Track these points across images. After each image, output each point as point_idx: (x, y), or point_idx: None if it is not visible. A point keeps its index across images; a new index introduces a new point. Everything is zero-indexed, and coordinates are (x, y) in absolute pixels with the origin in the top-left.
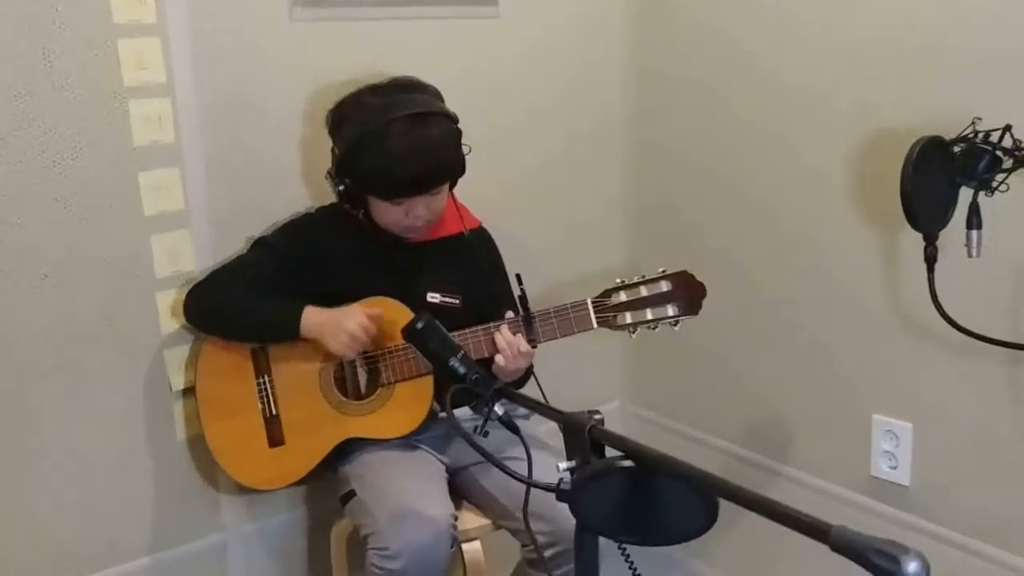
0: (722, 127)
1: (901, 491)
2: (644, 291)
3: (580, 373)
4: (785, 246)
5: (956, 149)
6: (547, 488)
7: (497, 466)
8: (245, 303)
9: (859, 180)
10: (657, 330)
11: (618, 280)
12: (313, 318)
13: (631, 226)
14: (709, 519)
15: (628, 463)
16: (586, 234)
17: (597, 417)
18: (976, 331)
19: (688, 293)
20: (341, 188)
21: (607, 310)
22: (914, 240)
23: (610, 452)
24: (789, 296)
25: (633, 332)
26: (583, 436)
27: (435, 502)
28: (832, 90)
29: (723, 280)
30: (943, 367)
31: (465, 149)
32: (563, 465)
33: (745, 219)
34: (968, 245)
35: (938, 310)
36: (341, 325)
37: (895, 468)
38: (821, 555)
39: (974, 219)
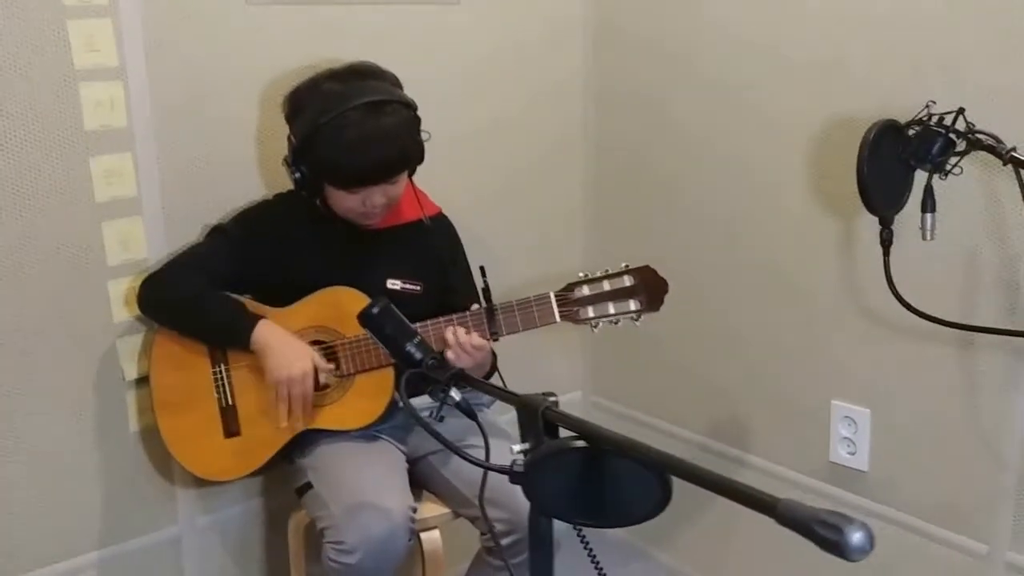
0: (675, 131)
1: (860, 476)
2: (607, 286)
3: (542, 364)
4: (740, 239)
5: (911, 132)
6: (500, 470)
7: (451, 449)
8: (199, 302)
9: (813, 171)
10: (619, 325)
11: (581, 274)
12: (264, 336)
13: (593, 223)
14: (663, 498)
15: (580, 443)
16: (549, 231)
17: (551, 399)
18: (931, 314)
19: (650, 288)
20: (297, 176)
21: (570, 304)
22: (868, 226)
23: (564, 434)
24: (746, 285)
25: (595, 327)
26: (537, 418)
27: (392, 494)
28: (784, 83)
29: (681, 273)
30: (898, 352)
31: (424, 136)
32: (516, 447)
33: (700, 213)
34: (923, 228)
35: (893, 293)
36: (295, 360)
37: (854, 454)
38: (784, 541)
39: (928, 202)
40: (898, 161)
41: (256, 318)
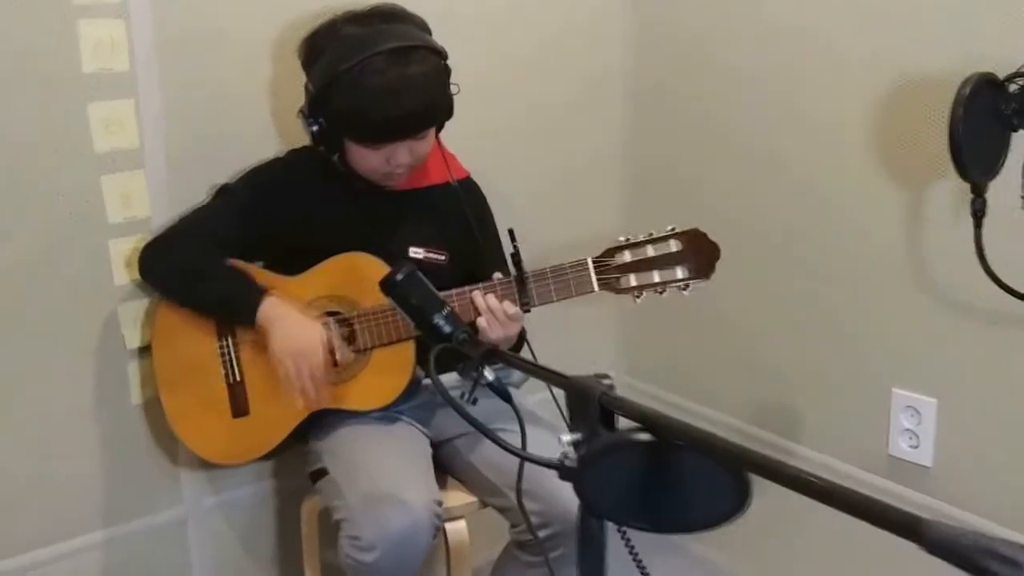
0: (725, 77)
1: (922, 472)
2: (651, 251)
3: (569, 341)
4: (796, 204)
5: (1013, 88)
6: (548, 465)
7: (491, 439)
8: (201, 273)
9: (878, 133)
10: (665, 295)
11: (622, 238)
12: (269, 312)
13: (629, 182)
14: (738, 503)
15: (646, 436)
16: (581, 190)
17: (607, 382)
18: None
19: (700, 254)
20: (315, 129)
21: (610, 271)
22: (940, 193)
23: (622, 424)
24: (801, 259)
25: (638, 297)
26: (592, 404)
27: (416, 485)
28: (845, 34)
29: (728, 242)
30: (974, 337)
31: (454, 89)
32: (566, 438)
33: (752, 176)
34: None
35: (985, 270)
36: (311, 343)
37: (916, 447)
38: (839, 534)
39: None
40: (995, 121)
41: (263, 292)
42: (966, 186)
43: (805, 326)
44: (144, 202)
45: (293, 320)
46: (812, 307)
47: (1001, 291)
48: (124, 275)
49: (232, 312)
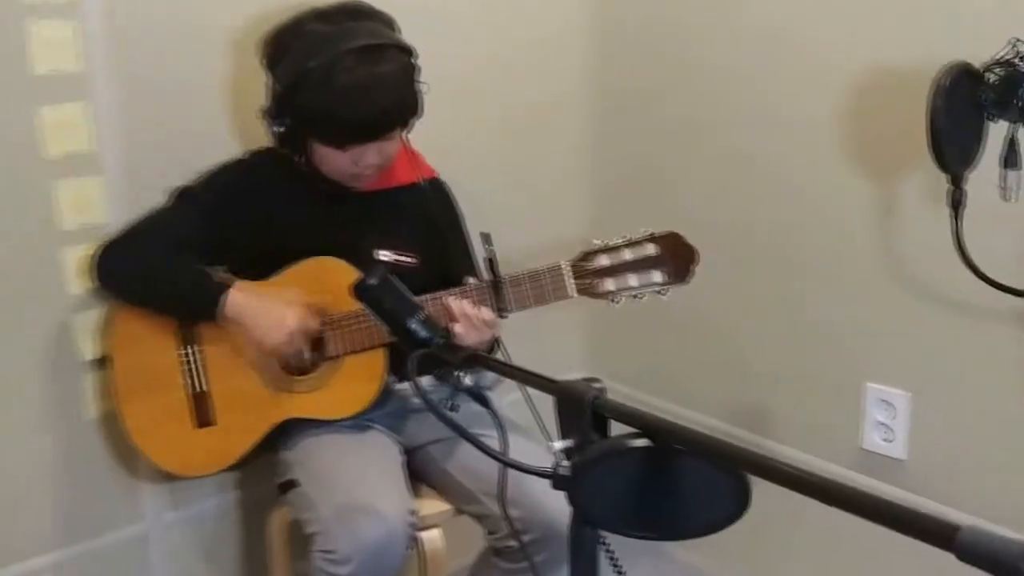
0: (696, 74)
1: (896, 466)
2: (628, 255)
3: (536, 340)
4: (769, 199)
5: (990, 77)
6: (541, 474)
7: (481, 449)
8: (161, 272)
9: (850, 127)
10: (643, 300)
11: (597, 242)
12: (240, 301)
13: (600, 184)
14: (739, 506)
15: (644, 441)
16: (551, 192)
17: (597, 386)
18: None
19: (677, 258)
20: (279, 130)
21: (587, 275)
22: (916, 189)
23: (614, 429)
24: (773, 255)
25: (616, 302)
26: (584, 410)
27: (390, 495)
28: (816, 29)
29: (699, 240)
30: (947, 330)
31: (423, 88)
32: (558, 445)
33: (724, 174)
34: (1003, 187)
35: (965, 262)
36: (283, 320)
37: (890, 441)
38: (827, 535)
39: (1012, 157)
40: (973, 111)
41: (226, 285)
42: (939, 178)
43: (778, 322)
44: (100, 207)
45: (263, 306)
46: (785, 303)
47: (975, 283)
48: (78, 284)
49: (194, 309)
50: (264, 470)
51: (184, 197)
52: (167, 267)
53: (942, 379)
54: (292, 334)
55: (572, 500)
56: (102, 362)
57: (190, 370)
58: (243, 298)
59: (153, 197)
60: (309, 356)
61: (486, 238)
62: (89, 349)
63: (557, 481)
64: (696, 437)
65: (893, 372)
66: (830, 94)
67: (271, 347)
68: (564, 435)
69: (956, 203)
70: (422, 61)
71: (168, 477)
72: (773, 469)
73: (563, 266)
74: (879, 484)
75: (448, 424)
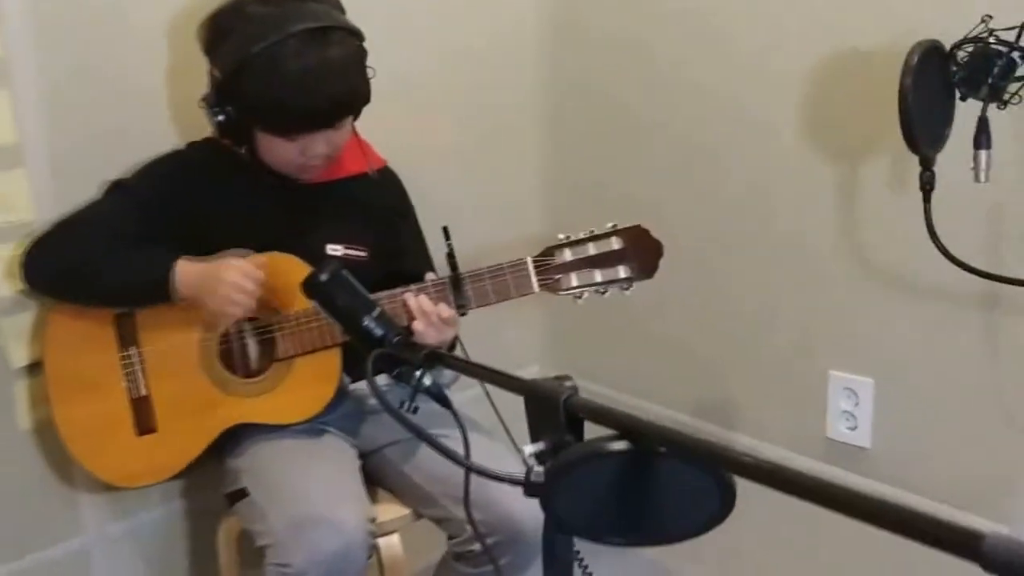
0: (651, 64)
1: (861, 454)
2: (592, 249)
3: (494, 334)
4: (727, 187)
5: (960, 56)
6: (514, 481)
7: (445, 454)
8: (102, 261)
9: (810, 112)
10: (607, 295)
11: (561, 236)
12: (189, 272)
13: (552, 181)
14: (723, 508)
15: (624, 444)
16: (505, 186)
17: (569, 384)
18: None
19: (642, 252)
20: (221, 119)
21: (550, 271)
22: (878, 173)
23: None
24: (731, 243)
25: (580, 297)
26: (556, 411)
27: (347, 503)
28: (773, 13)
29: (658, 231)
30: (909, 315)
31: (370, 72)
32: (529, 449)
33: (681, 164)
34: (975, 168)
35: (937, 246)
36: (220, 276)
37: (854, 429)
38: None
39: (983, 137)
40: (943, 90)
41: (173, 257)
42: (901, 161)
43: (738, 311)
44: (25, 204)
45: (210, 266)
46: (745, 291)
47: (939, 267)
48: (5, 286)
49: (146, 287)
50: (212, 477)
51: (118, 189)
52: (107, 255)
53: (905, 365)
54: (236, 284)
55: (546, 507)
56: (35, 368)
57: (130, 373)
58: (190, 265)
59: (83, 193)
60: (256, 352)
61: (445, 232)
62: (20, 355)
63: (530, 488)
64: (678, 438)
65: (856, 359)
66: (788, 80)
67: (220, 302)
68: (535, 438)
69: (926, 185)
70: (376, 57)
71: (109, 488)
72: (767, 472)
73: (527, 261)
74: (844, 474)
75: (411, 430)
